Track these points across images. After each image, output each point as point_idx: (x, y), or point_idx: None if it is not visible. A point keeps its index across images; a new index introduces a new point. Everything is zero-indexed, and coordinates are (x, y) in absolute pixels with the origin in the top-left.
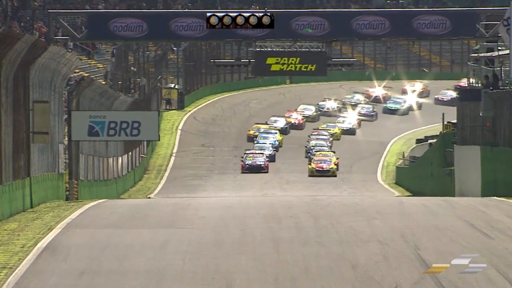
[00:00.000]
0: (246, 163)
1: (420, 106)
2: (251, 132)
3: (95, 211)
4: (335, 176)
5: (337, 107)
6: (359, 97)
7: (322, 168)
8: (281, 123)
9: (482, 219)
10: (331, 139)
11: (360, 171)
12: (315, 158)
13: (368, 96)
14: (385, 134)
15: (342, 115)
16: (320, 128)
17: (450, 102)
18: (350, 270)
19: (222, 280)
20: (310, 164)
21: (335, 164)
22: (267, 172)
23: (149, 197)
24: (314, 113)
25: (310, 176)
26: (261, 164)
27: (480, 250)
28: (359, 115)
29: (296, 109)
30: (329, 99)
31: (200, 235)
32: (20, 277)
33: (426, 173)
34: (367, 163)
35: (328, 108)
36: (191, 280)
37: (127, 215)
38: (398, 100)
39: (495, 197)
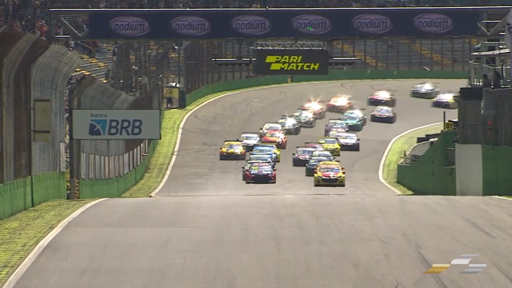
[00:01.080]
0: (251, 172)
1: (365, 121)
2: (224, 149)
3: (96, 209)
4: (343, 185)
5: (297, 123)
6: (307, 114)
7: (329, 176)
8: (253, 140)
9: (484, 217)
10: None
11: (361, 169)
12: (321, 166)
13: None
14: (386, 133)
15: (327, 138)
16: (319, 142)
17: (388, 119)
18: (352, 269)
19: (224, 279)
20: (315, 173)
21: (343, 173)
22: (274, 182)
23: (151, 196)
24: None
25: (316, 185)
26: (268, 174)
27: (482, 249)
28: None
29: (261, 128)
30: (289, 116)
31: (202, 233)
32: (21, 275)
33: (427, 172)
34: (368, 162)
35: (289, 126)
36: (193, 279)
37: (128, 214)
38: (352, 116)
39: (496, 196)
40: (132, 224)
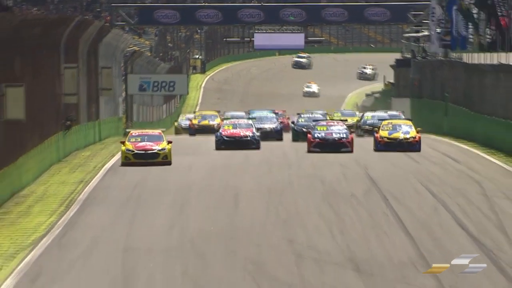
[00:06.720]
0: (315, 136)
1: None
2: (195, 121)
3: None
4: (419, 150)
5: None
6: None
7: (399, 138)
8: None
9: None
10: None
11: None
12: (383, 124)
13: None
14: (344, 90)
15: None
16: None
17: None
18: (320, 185)
19: (231, 191)
20: (377, 132)
21: (418, 132)
22: (351, 151)
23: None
24: None
25: (376, 150)
26: (341, 138)
27: (412, 171)
28: None
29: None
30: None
31: (215, 160)
32: (92, 188)
33: None
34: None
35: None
36: (210, 192)
37: None
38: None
39: None
40: None
